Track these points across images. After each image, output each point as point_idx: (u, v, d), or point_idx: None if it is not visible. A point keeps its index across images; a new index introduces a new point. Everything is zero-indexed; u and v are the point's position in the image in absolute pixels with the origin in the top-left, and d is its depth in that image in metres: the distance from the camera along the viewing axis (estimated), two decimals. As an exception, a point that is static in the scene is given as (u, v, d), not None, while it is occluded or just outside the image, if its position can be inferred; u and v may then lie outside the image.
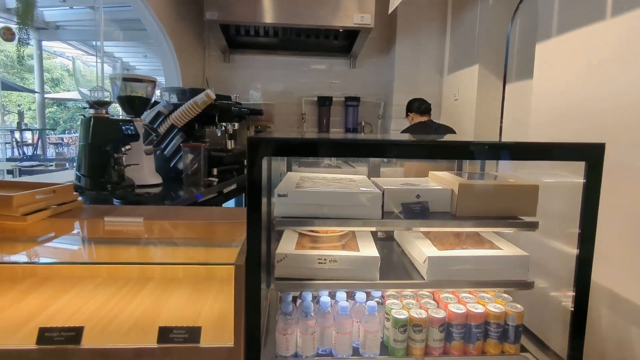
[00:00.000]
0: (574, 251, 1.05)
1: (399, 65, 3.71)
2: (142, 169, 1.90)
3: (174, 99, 2.36)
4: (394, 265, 1.26)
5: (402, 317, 1.13)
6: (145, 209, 1.43)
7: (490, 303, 1.19)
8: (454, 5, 3.51)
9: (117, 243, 1.07)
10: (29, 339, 0.87)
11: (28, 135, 10.94)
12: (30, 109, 15.57)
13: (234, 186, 2.32)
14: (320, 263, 1.11)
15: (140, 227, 1.17)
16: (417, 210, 1.13)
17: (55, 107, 16.78)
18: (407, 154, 1.04)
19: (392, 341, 1.15)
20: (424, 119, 3.06)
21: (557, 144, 1.00)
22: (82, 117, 1.68)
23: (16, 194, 1.10)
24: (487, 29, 2.92)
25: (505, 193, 1.18)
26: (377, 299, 1.22)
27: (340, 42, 3.68)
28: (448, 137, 2.00)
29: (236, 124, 2.57)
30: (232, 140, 2.51)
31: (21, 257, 0.97)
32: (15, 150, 9.63)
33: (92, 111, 1.67)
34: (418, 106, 3.07)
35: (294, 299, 1.25)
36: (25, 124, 10.36)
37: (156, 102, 2.29)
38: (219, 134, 2.44)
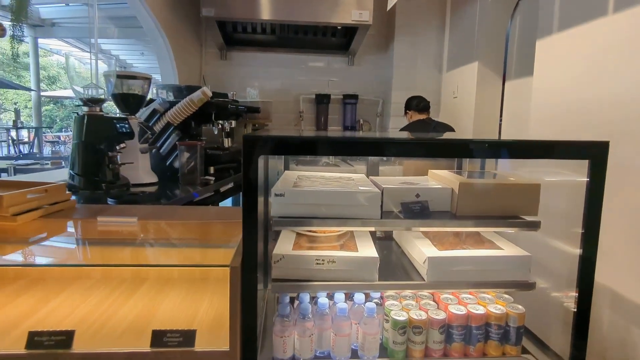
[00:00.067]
0: (575, 251, 1.03)
1: (398, 63, 3.68)
2: (137, 167, 1.87)
3: (170, 97, 2.33)
4: (394, 266, 1.24)
5: (401, 318, 1.11)
6: (139, 208, 1.40)
7: (491, 304, 1.17)
8: (453, 2, 3.49)
9: (110, 244, 1.04)
10: (18, 343, 0.84)
11: (24, 134, 10.88)
12: (26, 107, 15.48)
13: (230, 185, 2.30)
14: (318, 264, 1.09)
15: (135, 227, 1.15)
16: (417, 210, 1.11)
17: (51, 105, 16.69)
18: (406, 152, 1.02)
19: (391, 343, 1.13)
20: (422, 116, 3.04)
21: (560, 142, 0.98)
22: (76, 114, 1.65)
23: (6, 194, 1.07)
24: (486, 26, 2.90)
25: (507, 192, 1.15)
26: (376, 300, 1.20)
27: (339, 39, 3.65)
28: (447, 135, 1.97)
29: (233, 122, 2.54)
30: (229, 139, 2.48)
31: (10, 259, 0.94)
32: (12, 148, 9.57)
33: (85, 109, 1.64)
34: (417, 104, 3.05)
35: (292, 300, 1.23)
36: (22, 122, 10.30)
37: (152, 100, 2.26)
38: (215, 132, 2.41)
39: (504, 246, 1.21)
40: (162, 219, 1.26)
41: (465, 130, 3.11)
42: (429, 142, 1.05)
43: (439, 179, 1.32)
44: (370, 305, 1.12)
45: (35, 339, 0.84)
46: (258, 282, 0.96)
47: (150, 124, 2.09)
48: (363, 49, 3.84)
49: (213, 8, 2.94)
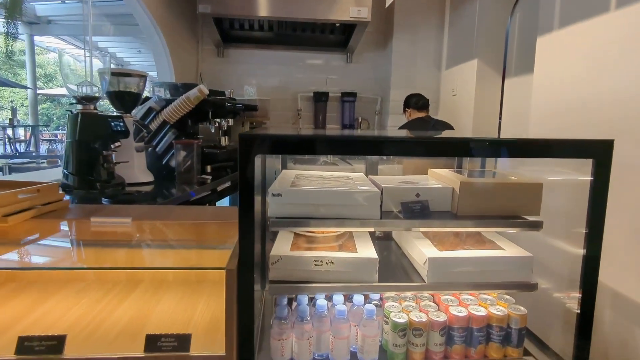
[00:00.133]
0: (577, 250, 1.01)
1: (396, 60, 3.65)
2: (133, 166, 1.84)
3: (166, 95, 2.30)
4: (393, 267, 1.22)
5: (401, 321, 1.08)
6: (134, 208, 1.38)
7: (492, 305, 1.15)
8: (452, -1, 3.46)
9: (103, 245, 1.02)
10: (7, 348, 0.82)
11: (21, 132, 10.81)
12: (23, 105, 15.39)
13: (228, 184, 2.27)
14: (316, 265, 1.07)
15: (129, 227, 1.12)
16: (417, 210, 1.09)
17: (48, 103, 16.60)
18: (407, 151, 0.99)
19: (391, 345, 1.11)
20: (421, 114, 3.01)
21: (564, 141, 0.96)
22: (70, 113, 1.62)
23: (-4, 194, 1.05)
24: (486, 23, 2.87)
25: (509, 191, 1.13)
26: (375, 302, 1.18)
27: (337, 37, 3.62)
28: (446, 133, 1.95)
29: (230, 120, 2.51)
30: (226, 137, 2.45)
31: (0, 262, 0.92)
32: (8, 146, 9.51)
33: (79, 107, 1.61)
34: (416, 102, 3.03)
35: (290, 302, 1.21)
36: (18, 121, 10.24)
37: (148, 98, 2.23)
38: (212, 131, 2.38)
39: (505, 246, 1.19)
40: (157, 219, 1.23)
41: (464, 128, 3.09)
42: (430, 141, 1.02)
43: (439, 178, 1.29)
44: (370, 307, 1.10)
45: (25, 344, 0.81)
46: (255, 283, 0.94)
47: (146, 122, 2.07)
48: (361, 46, 3.81)
49: (209, 4, 2.90)
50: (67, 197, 1.54)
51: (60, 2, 7.51)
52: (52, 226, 1.13)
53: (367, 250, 1.13)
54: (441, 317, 1.10)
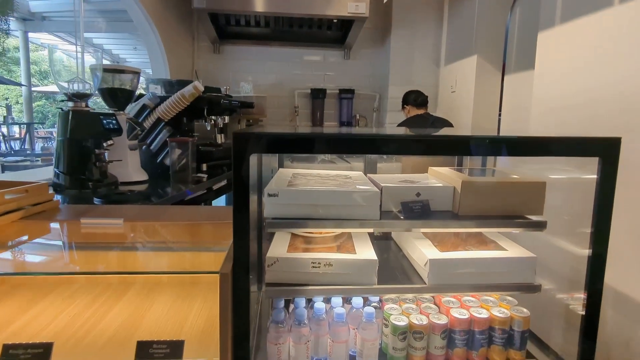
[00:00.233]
0: (580, 251, 0.98)
1: (395, 57, 3.62)
2: (127, 165, 1.81)
3: (161, 92, 2.26)
4: (393, 268, 1.19)
5: (401, 323, 1.06)
6: (126, 208, 1.34)
7: (494, 307, 1.12)
8: (451, -5, 3.42)
9: (93, 248, 0.98)
10: (-9, 357, 0.78)
11: (16, 130, 10.71)
12: (18, 102, 15.26)
13: (224, 182, 2.24)
14: (314, 267, 1.04)
15: (120, 229, 1.08)
16: (418, 210, 1.06)
17: (43, 100, 16.46)
18: (407, 150, 0.96)
19: (391, 349, 1.08)
20: (420, 111, 2.98)
21: (569, 139, 0.93)
22: (60, 110, 1.58)
23: (-18, 195, 1.01)
24: (485, 19, 2.84)
25: (511, 190, 1.10)
26: (374, 304, 1.15)
27: (334, 33, 3.58)
28: (445, 131, 1.92)
29: (226, 118, 2.47)
30: (222, 135, 2.42)
31: (-15, 266, 0.88)
32: (2, 144, 9.42)
33: (70, 104, 1.56)
34: (415, 98, 2.99)
35: (287, 304, 1.18)
36: (12, 118, 10.14)
37: (142, 95, 2.19)
38: (208, 128, 2.34)
39: (507, 246, 1.17)
40: (150, 219, 1.19)
41: (463, 125, 3.06)
42: (431, 139, 0.99)
43: (439, 176, 1.26)
44: (369, 309, 1.07)
45: (10, 352, 0.77)
46: (252, 284, 0.91)
47: (139, 120, 2.02)
48: (359, 42, 3.77)
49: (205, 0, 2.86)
50: (58, 197, 1.50)
51: (54, -3, 7.42)
52: (40, 228, 1.09)
53: (366, 251, 1.10)
54: (442, 320, 1.08)
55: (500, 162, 1.51)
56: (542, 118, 1.97)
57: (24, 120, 9.97)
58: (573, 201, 1.26)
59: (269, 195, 1.02)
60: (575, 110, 1.75)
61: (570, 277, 1.21)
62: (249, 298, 0.87)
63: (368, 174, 1.30)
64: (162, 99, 2.05)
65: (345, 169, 1.43)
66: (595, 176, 0.94)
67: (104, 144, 1.61)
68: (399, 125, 3.11)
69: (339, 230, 1.22)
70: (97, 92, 1.70)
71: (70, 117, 1.53)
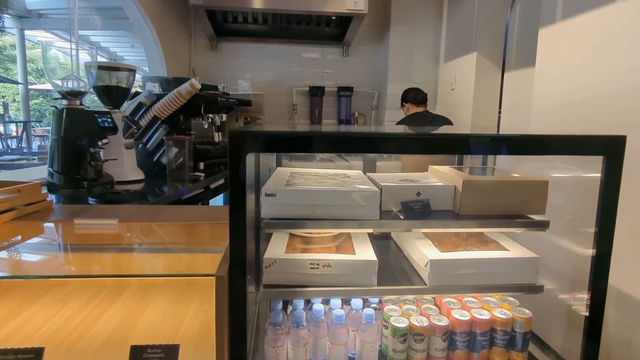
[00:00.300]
0: (582, 250, 0.97)
1: (394, 54, 3.59)
2: (122, 164, 1.78)
3: (155, 89, 2.23)
4: (393, 268, 1.17)
5: (402, 325, 1.04)
6: (121, 208, 1.32)
7: (496, 308, 1.10)
8: (450, -9, 3.40)
9: (86, 250, 0.96)
10: (-19, 362, 0.76)
11: (13, 128, 10.66)
12: (14, 100, 15.18)
13: (221, 181, 2.21)
14: (312, 268, 1.02)
15: (115, 230, 1.06)
16: (418, 210, 1.04)
17: (40, 98, 16.37)
18: (407, 148, 0.94)
19: (391, 351, 1.06)
20: (420, 109, 2.96)
21: (572, 137, 0.90)
22: (54, 108, 1.55)
23: (-28, 196, 0.98)
24: (485, 15, 2.81)
25: (513, 189, 1.08)
26: (374, 305, 1.13)
27: (333, 30, 3.55)
28: (448, 129, 1.90)
29: (224, 116, 2.45)
30: (220, 133, 2.39)
31: (-26, 268, 0.86)
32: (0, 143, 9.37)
33: (64, 102, 1.54)
34: (414, 96, 2.97)
35: (285, 305, 1.16)
36: (9, 116, 10.08)
37: (138, 93, 2.16)
38: (205, 126, 2.32)
39: (509, 246, 1.15)
40: (145, 220, 1.17)
41: (463, 123, 3.04)
42: (432, 137, 0.97)
43: (440, 175, 1.24)
44: (369, 311, 1.05)
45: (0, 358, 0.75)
46: (250, 285, 0.89)
47: (135, 118, 2.00)
48: (358, 39, 3.74)
49: (202, -4, 2.82)
50: (52, 197, 1.48)
51: (50, -6, 7.36)
52: (33, 229, 1.07)
53: (365, 252, 1.08)
54: (443, 321, 1.06)
55: (500, 161, 1.49)
56: (543, 115, 1.95)
57: (21, 118, 9.91)
58: (575, 200, 1.25)
59: (267, 195, 1.00)
60: (576, 108, 1.73)
61: (573, 277, 1.19)
62: (245, 301, 0.85)
63: (367, 173, 1.28)
64: (159, 97, 2.02)
65: (344, 168, 1.41)
66: (597, 174, 0.92)
67: (99, 143, 1.58)
68: (398, 123, 3.09)
69: (337, 231, 1.19)
70: (92, 89, 1.67)
71: (64, 116, 1.51)
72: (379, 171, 1.45)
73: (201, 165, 2.09)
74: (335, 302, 1.11)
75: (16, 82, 10.03)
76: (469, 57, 2.96)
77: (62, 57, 1.71)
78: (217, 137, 2.38)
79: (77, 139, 1.53)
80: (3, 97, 14.61)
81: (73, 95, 1.54)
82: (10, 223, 1.08)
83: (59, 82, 1.53)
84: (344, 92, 3.80)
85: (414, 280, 1.09)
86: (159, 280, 1.14)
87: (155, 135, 2.03)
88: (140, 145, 2.01)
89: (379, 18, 3.79)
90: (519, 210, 1.07)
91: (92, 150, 1.57)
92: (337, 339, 1.03)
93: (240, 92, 3.30)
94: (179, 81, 2.05)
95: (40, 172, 2.00)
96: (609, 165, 0.90)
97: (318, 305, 1.07)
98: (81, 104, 1.57)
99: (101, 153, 1.61)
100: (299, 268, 1.02)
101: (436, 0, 3.54)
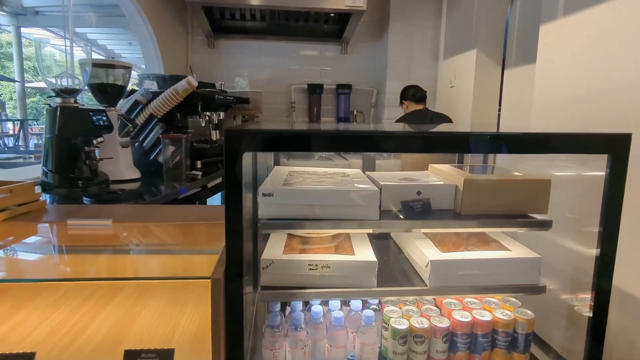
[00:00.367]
0: (585, 250, 0.95)
1: (392, 51, 3.56)
2: (118, 162, 1.76)
3: (154, 87, 2.20)
4: (393, 269, 1.15)
5: (402, 327, 1.02)
6: (116, 208, 1.29)
7: (497, 309, 1.09)
8: (450, -12, 3.37)
9: (80, 252, 0.94)
10: (-30, 368, 0.74)
11: (9, 126, 10.60)
12: (12, 98, 15.09)
13: (219, 180, 2.19)
14: (311, 269, 1.00)
15: (109, 230, 1.04)
16: (419, 209, 1.02)
17: (37, 96, 16.29)
18: (407, 147, 0.92)
19: (390, 353, 1.05)
20: (419, 107, 2.94)
21: (576, 135, 0.88)
22: (48, 106, 1.53)
23: (-38, 196, 0.96)
24: (485, 12, 2.79)
25: (515, 188, 1.06)
26: (374, 306, 1.11)
27: (331, 27, 3.52)
28: (449, 127, 1.88)
29: (221, 114, 2.42)
30: (217, 131, 2.37)
31: (-37, 271, 0.84)
32: (-4, 141, 9.32)
33: (59, 100, 1.51)
34: (413, 94, 2.95)
35: (283, 307, 1.14)
36: (6, 115, 10.03)
37: (134, 91, 2.13)
38: (202, 125, 2.29)
39: (511, 246, 1.13)
40: (141, 220, 1.15)
41: (462, 120, 3.01)
42: (432, 136, 0.95)
43: (440, 174, 1.22)
44: (368, 312, 1.03)
45: (-11, 364, 0.73)
46: (247, 285, 0.86)
47: (131, 116, 1.97)
48: (357, 36, 3.71)
49: (199, -7, 2.79)
50: (46, 197, 1.46)
51: (46, -8, 7.31)
52: (25, 229, 1.05)
53: (365, 252, 1.06)
54: (444, 323, 1.04)
55: (500, 159, 1.47)
56: (544, 112, 1.93)
57: (18, 116, 9.85)
58: (578, 198, 1.23)
59: (264, 194, 0.97)
60: (578, 104, 1.71)
61: (576, 278, 1.17)
62: (242, 303, 0.83)
63: (367, 172, 1.26)
64: (155, 95, 1.99)
65: (343, 167, 1.39)
66: (601, 173, 0.90)
67: (94, 141, 1.56)
68: (397, 121, 3.07)
69: (336, 231, 1.17)
70: (86, 87, 1.65)
71: (58, 114, 1.48)
72: (379, 170, 1.43)
73: (198, 164, 2.07)
74: (334, 303, 1.09)
75: (13, 80, 9.97)
76: (468, 54, 2.93)
77: (58, 55, 1.69)
78: (215, 135, 2.36)
79: (72, 137, 1.51)
80: (0, 95, 14.53)
81: (67, 93, 1.51)
82: (2, 224, 1.05)
83: (53, 80, 1.51)
84: (343, 89, 3.78)
85: (414, 281, 1.07)
86: (153, 282, 1.11)
87: (152, 133, 2.00)
88: (136, 144, 1.98)
89: (377, 15, 3.76)
90: (521, 209, 1.05)
91: (87, 149, 1.55)
92: (336, 341, 1.02)
93: (237, 90, 3.27)
94: (176, 79, 2.03)
95: (36, 171, 1.98)
96: (614, 163, 0.88)
97: (317, 307, 1.05)
98: (76, 101, 1.54)
99: (96, 152, 1.59)
100: (297, 269, 1.00)
101: (435, -4, 3.51)
